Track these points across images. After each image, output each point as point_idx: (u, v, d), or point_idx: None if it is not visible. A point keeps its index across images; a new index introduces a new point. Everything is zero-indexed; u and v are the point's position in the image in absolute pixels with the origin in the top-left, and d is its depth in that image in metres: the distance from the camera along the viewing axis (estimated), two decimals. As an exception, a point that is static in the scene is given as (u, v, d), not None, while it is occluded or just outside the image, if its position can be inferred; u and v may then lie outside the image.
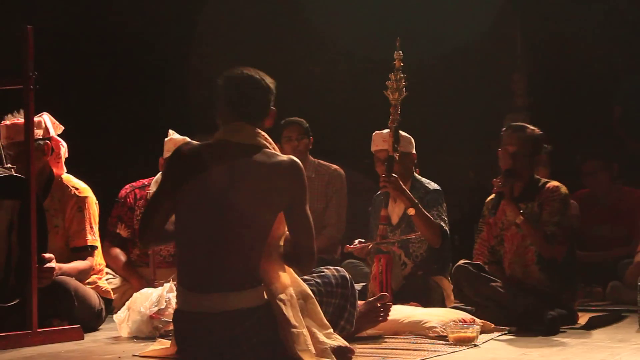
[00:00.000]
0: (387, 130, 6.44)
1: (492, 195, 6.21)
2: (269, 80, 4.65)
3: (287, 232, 4.61)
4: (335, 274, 4.96)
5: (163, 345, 4.94)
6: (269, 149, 4.57)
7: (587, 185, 7.96)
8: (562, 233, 5.93)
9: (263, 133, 4.60)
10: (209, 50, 9.61)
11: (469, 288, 5.98)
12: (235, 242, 4.44)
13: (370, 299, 5.47)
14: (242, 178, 4.46)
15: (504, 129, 6.23)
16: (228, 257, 4.44)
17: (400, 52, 6.29)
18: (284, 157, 4.56)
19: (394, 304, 5.65)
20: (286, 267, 4.60)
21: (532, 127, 6.15)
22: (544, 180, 6.16)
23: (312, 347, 4.44)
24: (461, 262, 6.09)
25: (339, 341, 4.58)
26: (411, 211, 6.31)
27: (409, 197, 6.33)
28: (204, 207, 4.48)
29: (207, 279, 4.46)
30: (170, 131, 6.75)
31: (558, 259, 5.92)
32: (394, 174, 6.30)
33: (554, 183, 6.08)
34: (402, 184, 6.35)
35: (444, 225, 6.45)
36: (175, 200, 4.54)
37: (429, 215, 6.38)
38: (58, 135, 6.16)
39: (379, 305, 5.36)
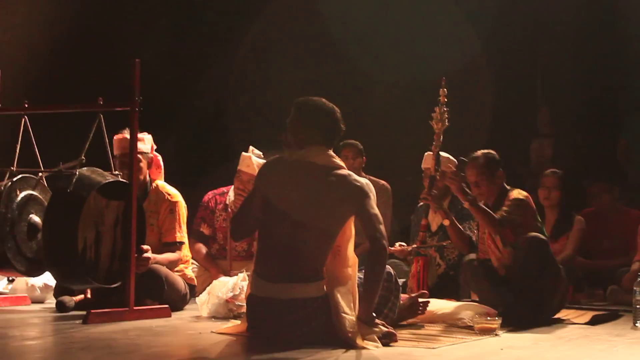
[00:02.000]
0: (434, 152, 6.48)
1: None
2: (337, 109, 4.69)
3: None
4: None
5: (236, 324, 4.99)
6: (344, 168, 4.63)
7: (592, 204, 7.90)
8: (508, 218, 5.69)
9: (334, 155, 4.65)
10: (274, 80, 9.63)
11: (471, 280, 5.93)
12: (306, 244, 4.51)
13: (412, 295, 5.48)
14: (321, 193, 4.52)
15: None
16: (298, 255, 4.51)
17: (445, 89, 6.33)
18: (358, 179, 4.59)
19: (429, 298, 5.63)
20: (349, 265, 4.61)
21: (483, 152, 5.96)
22: (509, 188, 5.94)
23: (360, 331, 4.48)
24: (471, 255, 6.02)
25: (384, 327, 4.60)
26: (446, 222, 6.39)
27: (445, 211, 6.40)
28: (285, 213, 4.54)
29: (279, 271, 4.52)
30: (251, 147, 6.78)
31: (510, 240, 5.76)
32: (434, 190, 6.36)
33: (514, 193, 5.86)
34: (441, 198, 6.41)
35: (472, 236, 6.47)
36: (263, 205, 4.61)
37: (460, 227, 6.43)
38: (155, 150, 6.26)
39: (420, 300, 5.38)
